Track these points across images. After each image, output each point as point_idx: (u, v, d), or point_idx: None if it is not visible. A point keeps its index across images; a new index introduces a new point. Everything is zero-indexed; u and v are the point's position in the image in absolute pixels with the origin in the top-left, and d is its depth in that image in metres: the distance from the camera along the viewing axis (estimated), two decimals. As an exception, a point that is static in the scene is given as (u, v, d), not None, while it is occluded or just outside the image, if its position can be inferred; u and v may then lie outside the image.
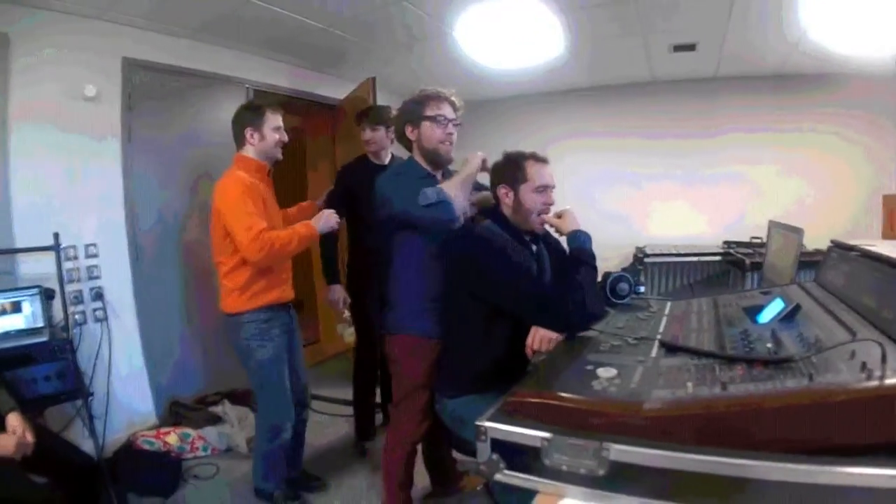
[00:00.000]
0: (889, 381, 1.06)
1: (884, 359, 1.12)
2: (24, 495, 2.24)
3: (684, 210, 5.84)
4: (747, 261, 4.56)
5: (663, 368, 1.37)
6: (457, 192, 2.30)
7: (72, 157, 3.69)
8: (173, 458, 3.58)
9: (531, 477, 1.22)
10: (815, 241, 3.41)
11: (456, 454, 3.00)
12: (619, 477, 1.11)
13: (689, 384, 1.21)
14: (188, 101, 4.30)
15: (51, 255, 3.44)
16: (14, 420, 2.36)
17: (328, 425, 4.19)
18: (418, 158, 2.48)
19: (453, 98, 2.47)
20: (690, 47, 4.65)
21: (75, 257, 3.68)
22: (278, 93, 4.89)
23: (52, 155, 3.60)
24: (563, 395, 1.30)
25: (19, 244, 3.43)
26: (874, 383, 1.06)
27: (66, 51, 3.63)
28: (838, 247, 2.05)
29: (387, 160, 3.58)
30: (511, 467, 1.25)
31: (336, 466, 3.57)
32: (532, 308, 2.02)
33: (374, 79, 4.48)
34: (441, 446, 2.94)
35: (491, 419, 1.28)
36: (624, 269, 2.43)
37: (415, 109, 2.44)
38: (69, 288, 3.57)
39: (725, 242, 5.34)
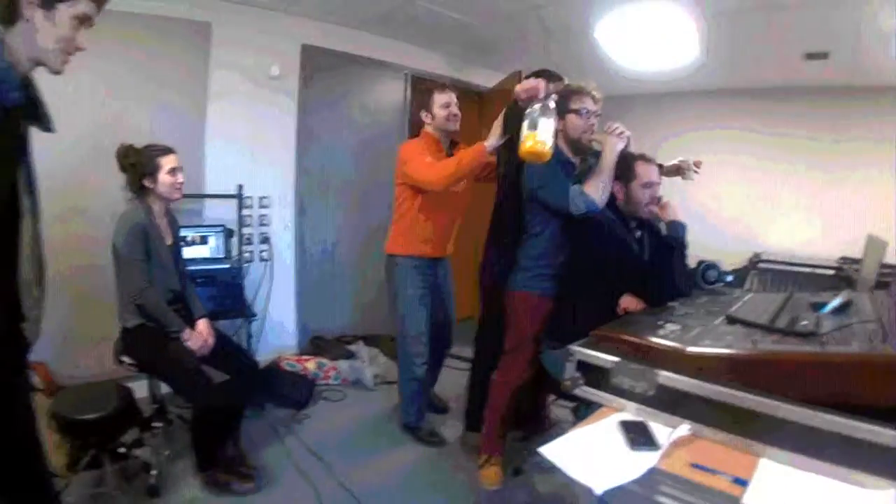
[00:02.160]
0: (877, 352, 1.37)
1: (884, 337, 1.44)
2: (201, 386, 2.77)
3: (806, 221, 5.79)
4: (855, 276, 4.62)
5: (717, 331, 1.72)
6: (601, 194, 2.63)
7: (257, 124, 4.42)
8: (309, 380, 4.14)
9: (600, 392, 1.63)
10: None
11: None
12: (664, 399, 1.50)
13: (729, 338, 1.58)
14: (355, 83, 4.97)
15: (232, 203, 4.22)
16: (202, 325, 2.96)
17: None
18: (562, 145, 2.81)
19: (594, 92, 2.79)
20: (823, 55, 4.72)
21: (251, 206, 4.39)
22: (433, 78, 5.32)
23: (241, 121, 4.32)
24: (632, 333, 1.71)
25: (209, 191, 4.16)
26: (866, 352, 1.38)
27: (256, 38, 4.33)
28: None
29: None
30: (587, 384, 1.66)
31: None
32: (631, 281, 2.43)
33: (520, 71, 4.80)
34: (541, 397, 3.39)
35: (579, 346, 1.70)
36: (735, 270, 2.75)
37: (561, 102, 2.70)
38: (244, 231, 4.31)
39: (841, 258, 5.36)
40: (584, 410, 2.36)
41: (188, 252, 3.66)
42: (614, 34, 4.56)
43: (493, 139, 2.98)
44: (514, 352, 2.95)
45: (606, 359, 1.61)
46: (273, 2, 4.27)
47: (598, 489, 1.24)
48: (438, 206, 3.36)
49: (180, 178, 2.90)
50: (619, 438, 1.43)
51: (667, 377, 1.48)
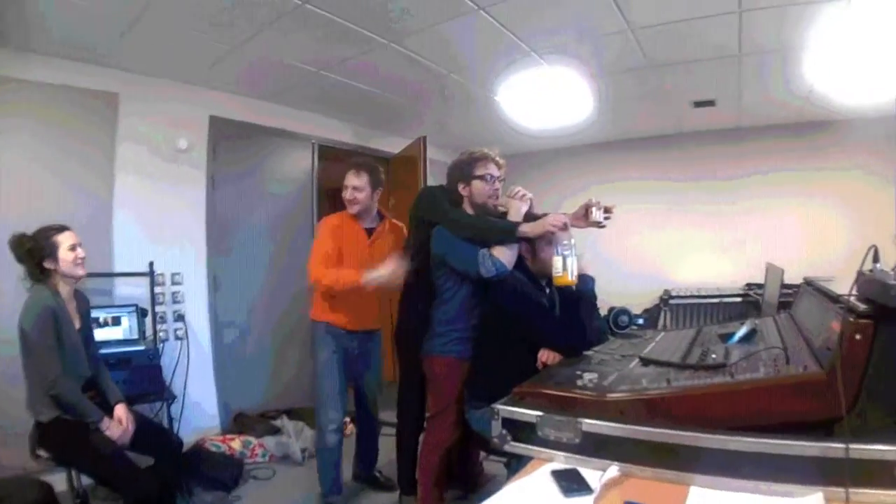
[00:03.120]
0: (782, 375, 1.47)
1: (787, 361, 1.53)
2: (128, 475, 2.63)
3: (711, 254, 6.10)
4: (762, 301, 4.87)
5: (633, 374, 1.79)
6: (508, 256, 2.71)
7: (164, 197, 4.30)
8: (236, 460, 4.01)
9: (529, 446, 1.64)
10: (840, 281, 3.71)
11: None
12: (590, 446, 1.53)
13: (644, 381, 1.64)
14: (263, 154, 4.97)
15: (144, 280, 4.09)
16: (120, 411, 2.81)
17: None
18: (467, 209, 2.93)
19: (497, 158, 2.93)
20: (710, 103, 5.05)
21: (163, 283, 4.25)
22: (339, 147, 5.47)
23: (150, 195, 4.21)
24: (553, 386, 1.75)
25: (118, 269, 4.03)
26: (772, 377, 1.48)
27: (164, 109, 4.26)
28: (806, 283, 2.42)
29: None
30: (515, 440, 1.68)
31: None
32: (546, 338, 2.49)
33: (424, 137, 4.99)
34: (472, 454, 3.40)
35: (503, 403, 1.72)
36: (646, 310, 2.87)
37: (465, 169, 2.91)
38: (158, 309, 4.18)
39: (747, 284, 5.63)
40: (515, 464, 2.38)
41: (100, 334, 3.52)
42: (514, 96, 4.77)
43: (375, 277, 3.09)
44: (439, 415, 2.97)
45: (531, 413, 1.62)
46: (181, 73, 4.25)
47: None
48: None
49: (81, 252, 2.78)
50: (552, 488, 1.44)
51: (590, 424, 1.52)
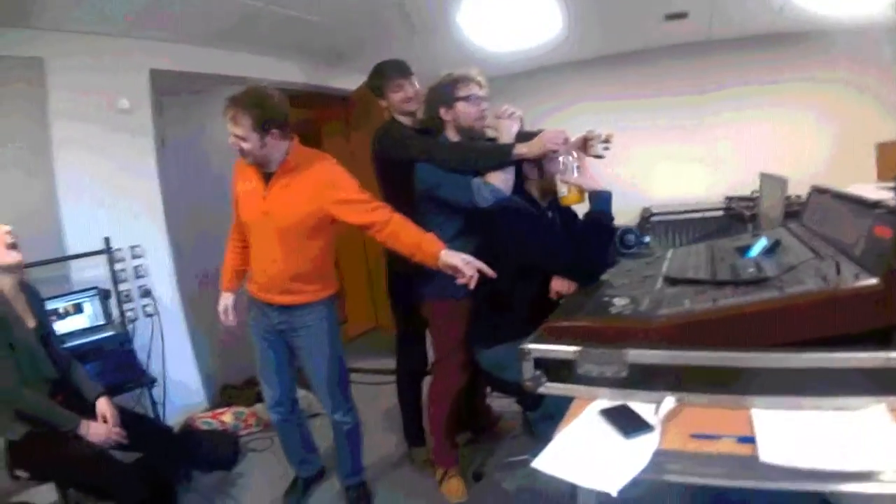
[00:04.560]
0: (841, 287, 1.36)
1: (838, 271, 1.43)
2: (117, 479, 2.42)
3: (688, 170, 6.07)
4: (747, 213, 4.82)
5: (666, 295, 1.67)
6: (505, 182, 2.55)
7: (112, 166, 3.93)
8: (231, 434, 3.84)
9: (568, 385, 1.53)
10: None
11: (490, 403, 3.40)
12: (637, 378, 1.43)
13: (687, 302, 1.52)
14: (211, 104, 4.55)
15: (101, 259, 3.78)
16: (103, 405, 2.57)
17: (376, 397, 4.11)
18: (451, 136, 2.73)
19: (479, 77, 2.72)
20: (682, 15, 4.91)
21: (123, 259, 3.92)
22: (292, 88, 5.06)
23: (95, 168, 3.85)
24: (588, 317, 1.62)
25: (71, 252, 3.70)
26: (829, 289, 1.37)
27: (97, 70, 3.85)
28: (817, 191, 2.34)
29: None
30: (550, 380, 1.57)
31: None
32: (559, 265, 2.35)
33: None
34: (478, 395, 3.30)
35: (532, 342, 1.59)
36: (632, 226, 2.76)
37: (447, 92, 2.68)
38: (121, 287, 3.87)
39: (727, 198, 5.59)
40: (530, 403, 2.33)
41: (62, 326, 3.27)
42: (476, 18, 4.54)
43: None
44: (445, 359, 2.85)
45: (568, 350, 1.51)
46: (112, 27, 3.82)
47: (614, 490, 1.14)
48: (257, 245, 2.72)
49: (6, 233, 2.45)
50: (607, 429, 1.34)
51: (638, 354, 1.41)
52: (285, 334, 2.76)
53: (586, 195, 2.39)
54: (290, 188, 2.51)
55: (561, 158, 2.38)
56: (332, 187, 2.52)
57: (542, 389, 1.57)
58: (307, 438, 3.18)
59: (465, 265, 2.27)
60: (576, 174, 2.37)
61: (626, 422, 1.34)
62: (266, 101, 2.45)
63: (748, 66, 5.70)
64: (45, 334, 2.60)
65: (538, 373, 1.57)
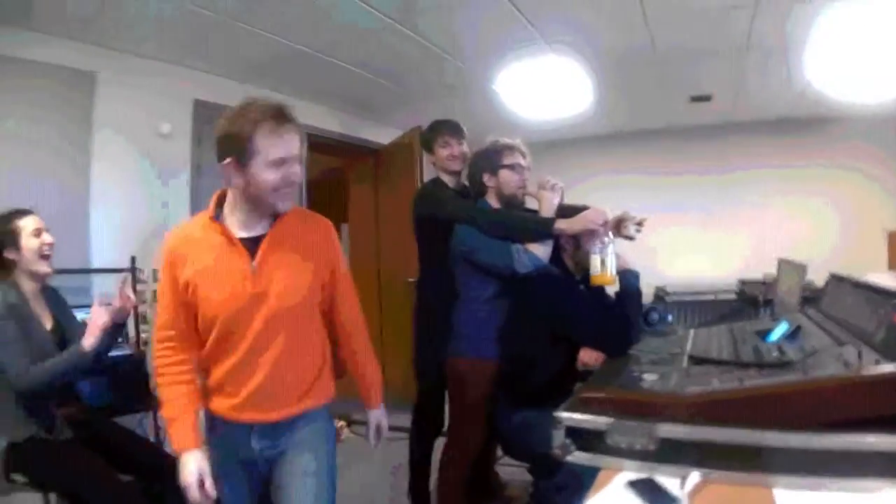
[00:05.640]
0: (864, 373, 1.43)
1: (860, 357, 1.50)
2: (115, 494, 2.40)
3: (703, 250, 6.19)
4: (760, 297, 4.85)
5: (693, 373, 1.74)
6: (544, 251, 2.65)
7: (146, 187, 4.05)
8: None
9: (596, 455, 1.57)
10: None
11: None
12: (665, 451, 1.48)
13: (715, 381, 1.59)
14: None
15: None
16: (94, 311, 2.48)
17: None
18: (492, 201, 2.84)
19: (523, 147, 2.86)
20: (707, 98, 5.07)
21: (146, 280, 3.93)
22: (325, 137, 5.27)
23: (129, 185, 3.96)
24: (622, 390, 1.69)
25: (96, 265, 3.77)
26: (852, 374, 1.44)
27: (144, 91, 4.00)
28: (835, 278, 2.41)
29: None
30: (579, 449, 1.62)
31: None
32: (590, 336, 2.43)
33: (420, 127, 4.86)
34: (488, 461, 3.32)
35: (566, 410, 1.64)
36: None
37: (493, 158, 2.82)
38: (141, 308, 3.86)
39: (741, 281, 5.63)
40: (543, 471, 2.35)
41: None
42: (512, 85, 4.72)
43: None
44: (465, 422, 2.88)
45: (600, 421, 1.56)
46: (165, 53, 4.03)
47: None
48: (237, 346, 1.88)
49: (48, 238, 2.49)
50: (634, 501, 1.39)
51: (668, 429, 1.46)
52: (270, 461, 1.97)
53: (616, 278, 2.49)
54: (290, 251, 1.91)
55: (599, 239, 2.48)
56: (335, 242, 2.08)
57: (570, 458, 1.61)
58: None
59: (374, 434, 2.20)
60: (611, 256, 2.46)
61: (653, 495, 1.37)
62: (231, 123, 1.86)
63: (767, 150, 5.90)
64: (63, 338, 2.60)
65: (568, 441, 1.61)
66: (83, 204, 3.79)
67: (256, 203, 1.84)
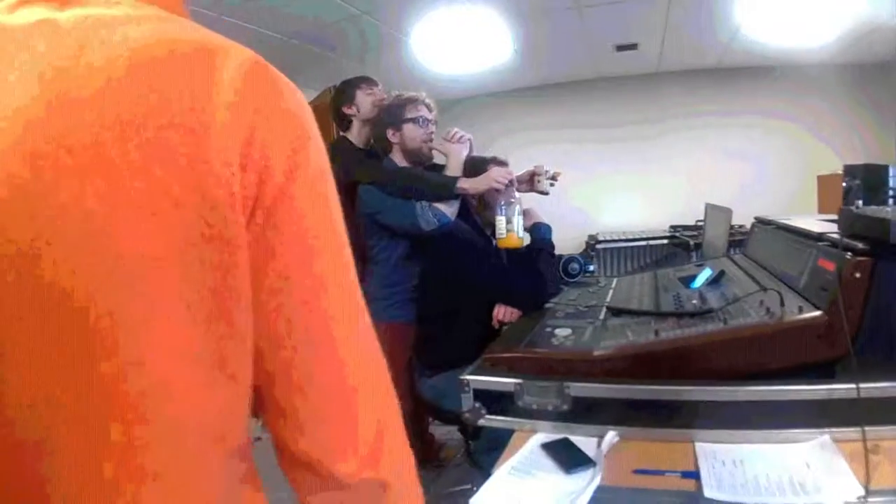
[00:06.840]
0: (785, 319, 1.35)
1: (782, 303, 1.41)
2: None
3: (634, 199, 6.13)
4: (691, 242, 4.88)
5: (609, 326, 1.64)
6: (451, 209, 2.50)
7: None
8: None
9: (507, 418, 1.47)
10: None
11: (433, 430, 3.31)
12: (579, 411, 1.38)
13: (629, 334, 1.49)
14: None
15: None
16: None
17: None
18: (397, 158, 2.66)
19: (428, 100, 2.68)
20: (632, 47, 4.97)
21: None
22: None
23: None
24: (530, 348, 1.57)
25: None
26: (773, 322, 1.36)
27: None
28: (760, 222, 2.35)
29: None
30: (490, 412, 1.51)
31: None
32: (501, 292, 2.30)
33: (334, 86, 4.65)
34: (421, 423, 3.22)
35: (472, 373, 1.53)
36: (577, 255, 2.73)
37: (396, 112, 2.62)
38: None
39: (672, 227, 5.65)
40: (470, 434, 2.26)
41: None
42: (428, 40, 4.50)
43: None
44: None
45: (508, 381, 1.45)
46: None
47: None
48: None
49: None
50: (548, 464, 1.29)
51: (580, 388, 1.36)
52: None
53: (523, 241, 2.39)
54: None
55: (504, 198, 2.37)
56: None
57: (481, 422, 1.51)
58: None
59: None
60: (517, 216, 2.35)
61: (568, 457, 1.28)
62: None
63: (695, 99, 5.82)
64: None
65: (478, 404, 1.51)
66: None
67: None
